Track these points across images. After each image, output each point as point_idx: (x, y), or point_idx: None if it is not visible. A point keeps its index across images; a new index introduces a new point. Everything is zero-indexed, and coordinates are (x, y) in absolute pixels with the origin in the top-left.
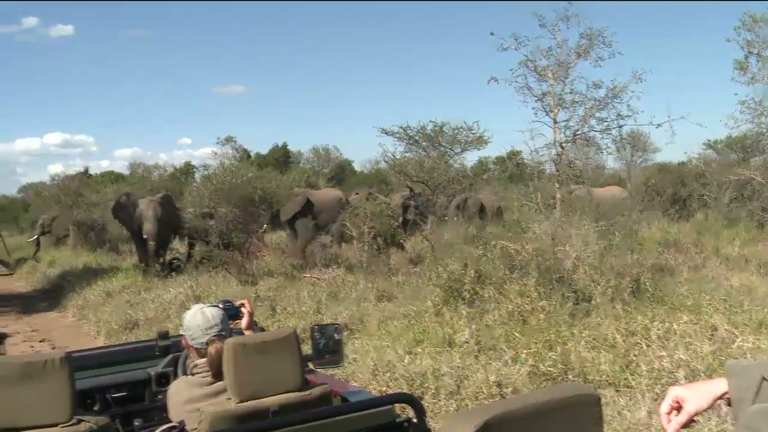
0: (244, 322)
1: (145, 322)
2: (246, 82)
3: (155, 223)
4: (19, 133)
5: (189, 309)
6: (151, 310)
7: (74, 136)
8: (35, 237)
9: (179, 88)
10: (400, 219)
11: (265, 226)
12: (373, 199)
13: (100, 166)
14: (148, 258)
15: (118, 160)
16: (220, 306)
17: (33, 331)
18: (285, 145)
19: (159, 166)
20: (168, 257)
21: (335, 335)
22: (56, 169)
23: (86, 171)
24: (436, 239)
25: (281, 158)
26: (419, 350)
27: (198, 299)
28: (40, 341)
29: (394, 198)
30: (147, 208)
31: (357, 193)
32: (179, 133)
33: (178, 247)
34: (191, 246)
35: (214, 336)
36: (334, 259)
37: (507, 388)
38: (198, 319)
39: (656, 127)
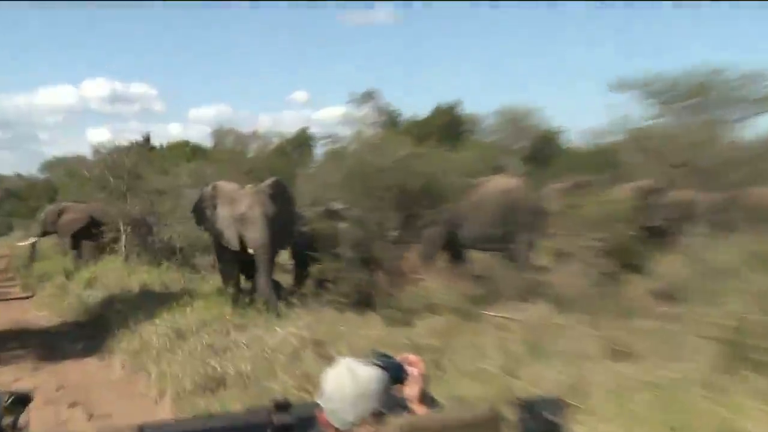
0: (411, 389)
1: (236, 379)
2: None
3: (268, 227)
4: (43, 77)
5: (332, 367)
6: (247, 361)
7: (128, 85)
8: (32, 240)
9: (291, 16)
10: (641, 226)
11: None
12: (588, 193)
13: (167, 131)
14: (264, 281)
15: (194, 123)
16: (379, 364)
17: (59, 389)
18: (456, 106)
19: (259, 135)
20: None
21: (551, 416)
22: (100, 135)
23: (147, 140)
24: (704, 260)
25: (450, 127)
26: None
27: (319, 346)
28: (70, 406)
29: (623, 190)
30: (252, 205)
31: (560, 183)
32: (290, 85)
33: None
34: (303, 261)
35: (369, 412)
36: (535, 288)
37: None
38: (346, 384)
39: None
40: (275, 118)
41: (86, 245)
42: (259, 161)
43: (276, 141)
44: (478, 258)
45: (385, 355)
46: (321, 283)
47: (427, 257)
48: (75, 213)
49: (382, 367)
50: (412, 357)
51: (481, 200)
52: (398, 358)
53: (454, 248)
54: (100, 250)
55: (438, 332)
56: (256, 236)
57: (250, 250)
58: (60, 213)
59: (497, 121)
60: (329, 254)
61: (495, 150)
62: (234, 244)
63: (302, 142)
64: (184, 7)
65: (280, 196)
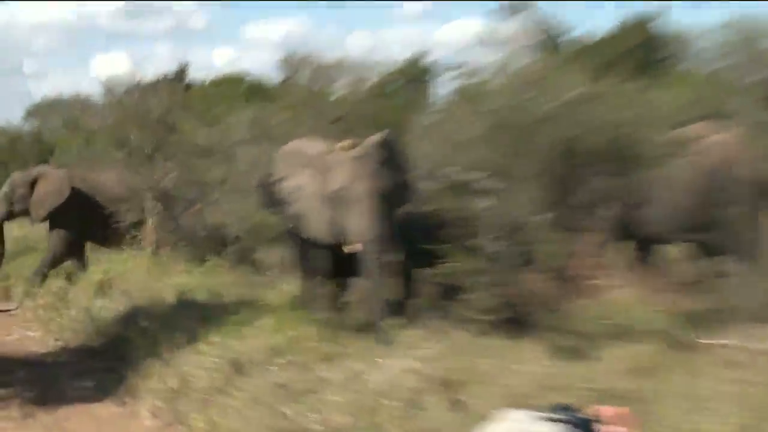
0: None
1: None
2: None
3: (382, 211)
4: None
5: (491, 423)
6: (340, 409)
7: None
8: None
9: None
10: None
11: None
12: None
13: (211, 61)
14: (376, 291)
15: (252, 47)
16: (562, 419)
17: None
18: (653, 20)
19: (350, 66)
20: None
21: None
22: (113, 65)
23: (182, 73)
24: None
25: (645, 51)
26: None
27: (451, 388)
28: None
29: None
30: (355, 176)
31: None
32: None
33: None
34: (417, 258)
35: None
36: None
37: None
38: None
39: None
40: (375, 39)
41: (56, 234)
42: (352, 105)
43: (377, 74)
44: (679, 254)
45: (568, 408)
46: (449, 292)
47: (601, 251)
48: (53, 182)
49: (569, 423)
50: (608, 410)
51: (681, 166)
52: (587, 410)
53: (641, 239)
54: (117, 240)
55: (634, 369)
56: (362, 225)
57: (353, 247)
58: (34, 183)
59: (722, 42)
60: (460, 248)
61: (717, 87)
62: (325, 236)
63: (416, 75)
64: None
65: (393, 161)
